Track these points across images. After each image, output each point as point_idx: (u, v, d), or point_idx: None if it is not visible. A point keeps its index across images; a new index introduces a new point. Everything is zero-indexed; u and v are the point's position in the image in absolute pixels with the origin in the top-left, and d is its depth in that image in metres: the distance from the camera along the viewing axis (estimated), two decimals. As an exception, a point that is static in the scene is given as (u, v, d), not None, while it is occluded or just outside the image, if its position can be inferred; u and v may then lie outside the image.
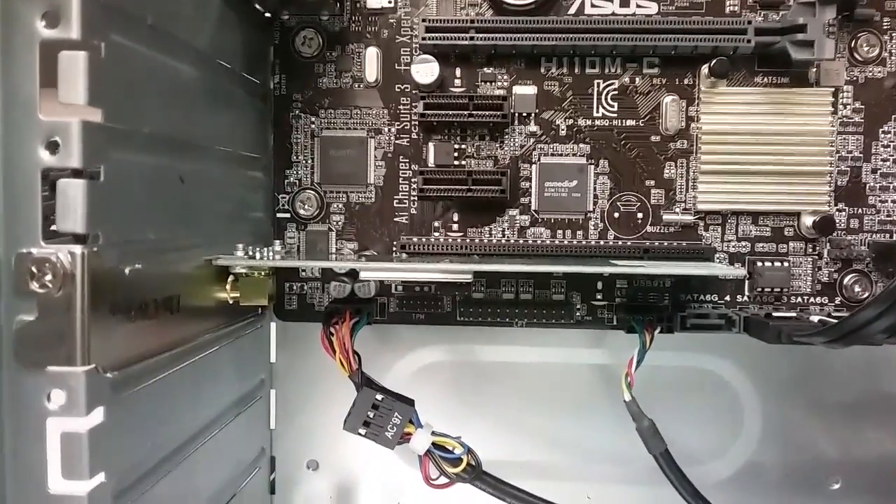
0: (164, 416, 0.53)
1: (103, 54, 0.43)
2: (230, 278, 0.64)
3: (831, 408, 0.79)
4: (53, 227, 0.42)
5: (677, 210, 0.74)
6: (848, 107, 0.74)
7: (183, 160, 0.56)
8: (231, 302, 0.64)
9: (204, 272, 0.61)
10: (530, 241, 0.75)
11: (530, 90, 0.74)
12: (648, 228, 0.75)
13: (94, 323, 0.43)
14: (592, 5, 0.73)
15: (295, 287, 0.77)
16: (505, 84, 0.74)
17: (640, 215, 0.75)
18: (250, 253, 0.63)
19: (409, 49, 0.74)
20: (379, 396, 0.67)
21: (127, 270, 0.47)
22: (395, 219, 0.76)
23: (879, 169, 0.74)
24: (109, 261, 0.45)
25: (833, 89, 0.73)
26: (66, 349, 0.42)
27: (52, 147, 0.41)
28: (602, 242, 0.75)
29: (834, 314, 0.73)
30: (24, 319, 0.42)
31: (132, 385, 0.48)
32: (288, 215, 0.76)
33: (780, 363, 0.79)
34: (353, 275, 0.73)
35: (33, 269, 0.41)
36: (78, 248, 0.42)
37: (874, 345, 0.61)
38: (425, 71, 0.72)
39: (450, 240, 0.75)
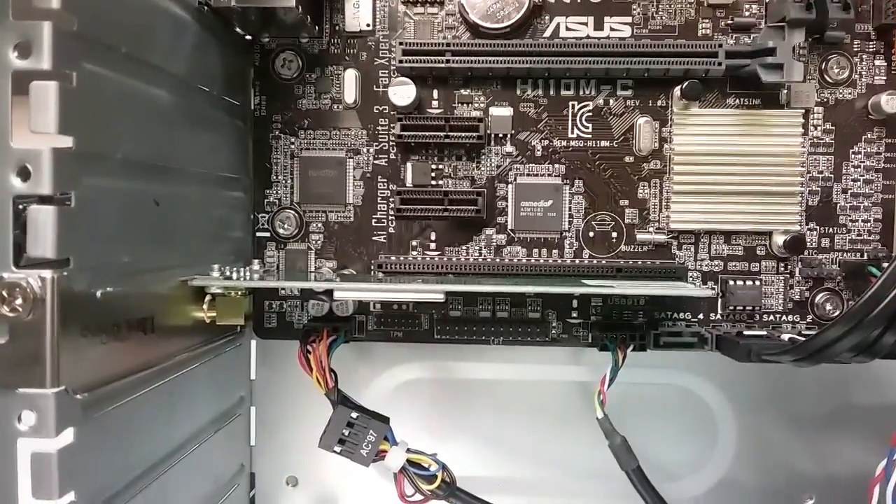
0: (137, 435, 0.54)
1: (75, 83, 0.44)
2: (207, 298, 0.64)
3: (805, 424, 0.80)
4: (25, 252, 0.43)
5: (651, 229, 0.76)
6: (819, 128, 0.75)
7: (159, 183, 0.57)
8: (208, 321, 0.65)
9: (180, 292, 0.62)
10: (507, 260, 0.76)
11: (506, 111, 0.75)
12: (623, 247, 0.76)
13: (65, 345, 0.44)
14: (567, 28, 0.75)
15: (274, 305, 0.78)
16: (481, 105, 0.76)
17: (614, 234, 0.76)
18: (227, 273, 0.64)
19: (387, 71, 0.76)
20: (354, 414, 0.68)
21: (98, 293, 0.48)
22: (374, 238, 0.77)
23: (850, 189, 0.75)
24: (80, 284, 0.46)
25: (804, 111, 0.74)
26: (37, 371, 0.43)
27: (24, 174, 0.43)
28: (577, 261, 0.76)
29: (805, 332, 0.74)
30: (-6, 342, 0.43)
31: (104, 405, 0.48)
32: (268, 234, 0.77)
33: (754, 380, 0.80)
34: (330, 293, 0.74)
35: (4, 293, 0.43)
36: (48, 273, 0.43)
37: (841, 363, 0.62)
38: (402, 93, 0.73)
39: (427, 259, 0.76)
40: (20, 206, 0.43)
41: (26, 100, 0.42)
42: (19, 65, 0.42)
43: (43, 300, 0.43)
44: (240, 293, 0.65)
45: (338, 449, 0.67)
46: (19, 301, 0.43)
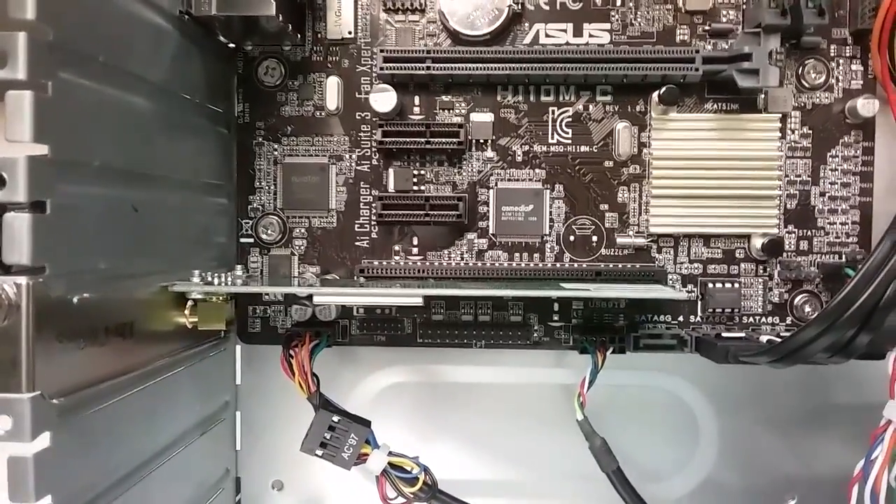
0: (117, 438, 0.55)
1: (50, 92, 0.45)
2: (188, 303, 0.65)
3: (786, 424, 0.81)
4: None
5: (630, 233, 0.76)
6: (796, 132, 0.76)
7: (138, 190, 0.58)
8: (190, 326, 0.65)
9: (161, 298, 0.62)
10: (488, 264, 0.77)
11: (487, 117, 0.76)
12: (603, 251, 0.77)
13: (40, 351, 0.44)
14: (547, 35, 0.76)
15: (258, 310, 0.78)
16: (462, 111, 0.76)
17: (594, 238, 0.77)
18: (208, 278, 0.65)
19: (368, 78, 0.76)
20: (335, 418, 0.68)
21: (75, 299, 0.49)
22: (357, 243, 0.77)
23: (827, 192, 0.76)
24: (56, 291, 0.46)
25: (781, 115, 0.75)
26: (12, 377, 0.44)
27: (-1, 182, 0.43)
28: (558, 265, 0.76)
29: (784, 334, 0.74)
30: (-30, 348, 0.44)
31: (82, 410, 0.49)
32: (251, 240, 0.78)
33: (735, 381, 0.80)
34: (313, 298, 0.75)
35: (-21, 299, 0.43)
36: (23, 280, 0.44)
37: (817, 364, 0.63)
38: (383, 100, 0.74)
39: (409, 263, 0.77)
40: (-4, 214, 0.44)
41: (1, 108, 0.43)
42: (-5, 75, 0.43)
43: (18, 306, 0.43)
44: (221, 298, 0.66)
45: (319, 452, 0.68)
46: (-5, 307, 0.43)
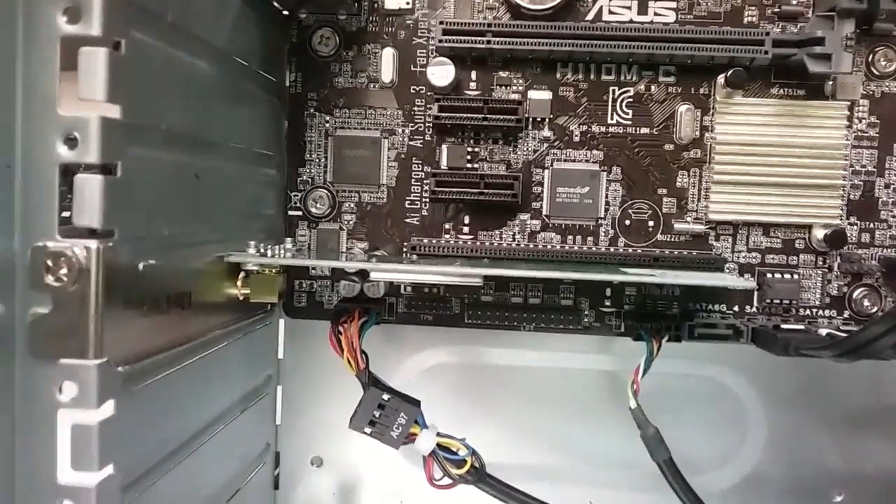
0: (173, 410, 0.54)
1: (123, 51, 0.43)
2: (241, 275, 0.64)
3: (836, 420, 0.79)
4: (70, 222, 0.42)
5: (689, 219, 0.74)
6: (863, 121, 0.74)
7: (199, 157, 0.57)
8: (242, 298, 0.64)
9: (216, 268, 0.61)
10: (540, 246, 0.75)
11: (545, 95, 0.74)
12: (659, 237, 0.75)
13: (108, 317, 0.43)
14: (610, 12, 0.73)
15: (304, 285, 0.77)
16: (520, 88, 0.74)
17: (651, 223, 0.75)
18: (262, 250, 0.63)
19: (425, 51, 0.75)
20: (385, 396, 0.67)
21: (141, 266, 0.47)
22: (407, 220, 0.76)
23: (893, 184, 0.74)
24: (124, 256, 0.45)
25: (849, 103, 0.73)
26: (79, 342, 0.42)
27: (71, 142, 0.42)
28: (612, 249, 0.75)
29: (842, 328, 0.72)
30: (38, 312, 0.42)
31: (143, 379, 0.48)
32: (300, 213, 0.76)
33: (786, 374, 0.79)
34: (362, 274, 0.73)
35: (49, 262, 0.42)
36: (93, 243, 0.42)
37: (882, 360, 0.61)
38: (441, 73, 0.72)
39: (460, 242, 0.75)
40: (67, 175, 0.42)
41: (75, 66, 0.42)
42: (68, 30, 0.42)
43: (88, 270, 0.42)
44: (274, 271, 0.64)
45: (368, 430, 0.67)
46: (64, 271, 0.42)
